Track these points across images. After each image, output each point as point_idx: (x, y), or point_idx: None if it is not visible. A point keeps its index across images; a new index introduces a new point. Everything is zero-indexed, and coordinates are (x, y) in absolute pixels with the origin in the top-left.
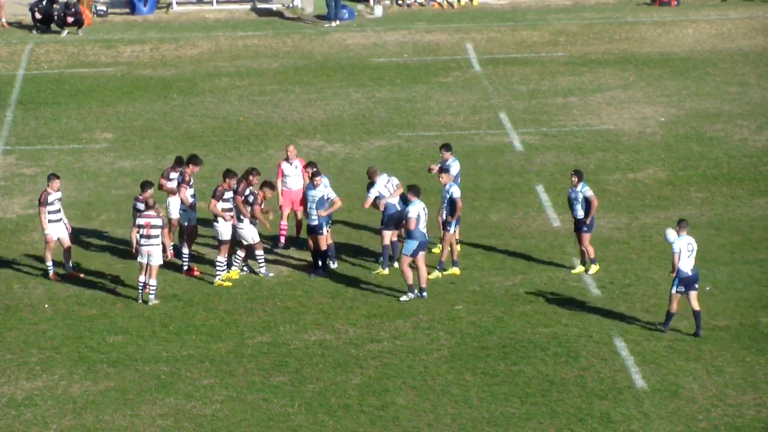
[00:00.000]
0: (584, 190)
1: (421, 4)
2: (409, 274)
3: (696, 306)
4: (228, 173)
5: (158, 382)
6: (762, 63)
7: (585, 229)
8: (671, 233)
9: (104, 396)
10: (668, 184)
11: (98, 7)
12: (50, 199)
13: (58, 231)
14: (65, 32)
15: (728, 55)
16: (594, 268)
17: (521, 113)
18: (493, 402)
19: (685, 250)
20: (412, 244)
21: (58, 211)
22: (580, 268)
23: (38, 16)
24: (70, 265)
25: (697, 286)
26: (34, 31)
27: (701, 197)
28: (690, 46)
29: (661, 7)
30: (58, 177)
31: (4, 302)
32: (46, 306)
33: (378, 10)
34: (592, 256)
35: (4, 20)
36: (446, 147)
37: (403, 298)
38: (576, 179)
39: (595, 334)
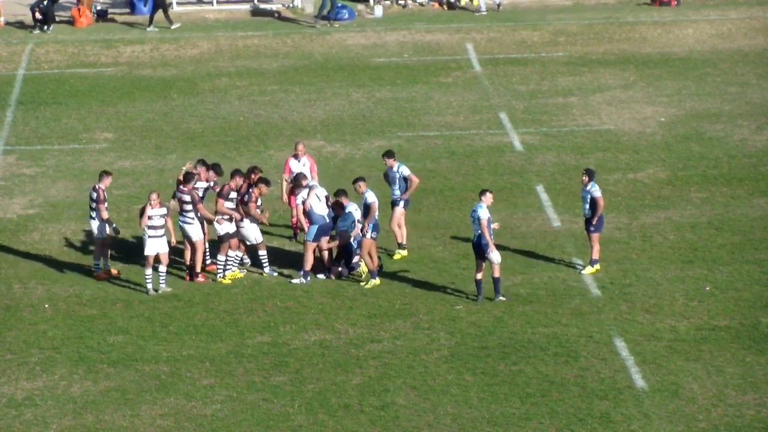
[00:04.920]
0: (592, 190)
1: (421, 5)
2: (310, 259)
3: (497, 273)
4: (236, 173)
5: (158, 382)
6: (762, 63)
7: (592, 228)
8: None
9: (104, 396)
10: (668, 184)
11: (98, 7)
12: (105, 195)
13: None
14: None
15: (728, 55)
16: (590, 269)
17: (521, 113)
18: (493, 402)
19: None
20: (312, 229)
21: (107, 209)
22: (589, 269)
23: (38, 16)
24: (98, 263)
25: None
26: (35, 31)
27: (701, 197)
28: (690, 46)
29: (661, 7)
30: (109, 173)
31: (4, 302)
32: (46, 306)
33: (378, 10)
34: (596, 256)
35: (2, 19)
36: (388, 154)
37: (295, 280)
38: (586, 178)
39: (595, 334)
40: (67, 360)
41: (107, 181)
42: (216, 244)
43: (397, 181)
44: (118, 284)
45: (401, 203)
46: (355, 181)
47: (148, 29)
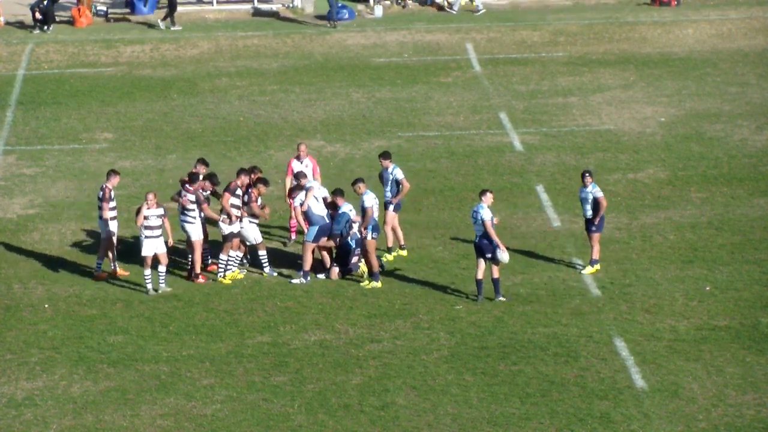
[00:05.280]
0: (594, 190)
1: (421, 4)
2: (309, 259)
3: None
4: (241, 171)
5: (158, 382)
6: (762, 63)
7: (593, 229)
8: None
9: (104, 396)
10: (668, 184)
11: (98, 7)
12: (112, 194)
13: (116, 228)
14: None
15: (728, 55)
16: (591, 269)
17: (521, 113)
18: (493, 402)
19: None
20: (313, 230)
21: (115, 208)
22: (589, 269)
23: (38, 15)
24: (101, 262)
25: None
26: (35, 31)
27: (701, 197)
28: (690, 46)
29: (661, 7)
30: (117, 173)
31: (4, 302)
32: (46, 306)
33: (378, 10)
34: (596, 256)
35: (2, 19)
36: (384, 155)
37: (295, 280)
38: (590, 179)
39: (595, 334)
40: (67, 360)
41: (114, 181)
42: (219, 244)
43: (390, 183)
44: (118, 284)
45: (391, 207)
46: (355, 182)
47: (160, 25)
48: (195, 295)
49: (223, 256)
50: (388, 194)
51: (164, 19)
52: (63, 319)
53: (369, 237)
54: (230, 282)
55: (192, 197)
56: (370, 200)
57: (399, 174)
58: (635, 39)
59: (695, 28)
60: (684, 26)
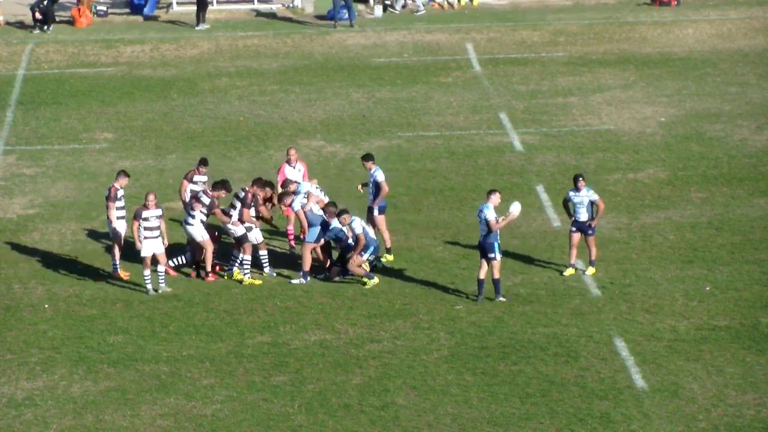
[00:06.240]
0: (590, 194)
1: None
2: (308, 259)
3: (496, 275)
4: (257, 181)
5: (158, 382)
6: (762, 63)
7: (590, 232)
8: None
9: (104, 396)
10: (668, 184)
11: (98, 7)
12: (118, 194)
13: (123, 228)
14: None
15: (728, 55)
16: (592, 269)
17: (521, 113)
18: (493, 402)
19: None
20: (314, 231)
21: (123, 208)
22: (590, 270)
23: (38, 15)
24: (116, 263)
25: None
26: (35, 31)
27: (701, 197)
28: (690, 46)
29: (661, 7)
30: (127, 174)
31: (4, 302)
32: (46, 306)
33: (378, 10)
34: (594, 257)
35: (1, 18)
36: (366, 157)
37: (295, 281)
38: (583, 182)
39: (595, 334)
40: (67, 360)
41: (122, 181)
42: (225, 248)
43: (371, 185)
44: (118, 284)
45: (375, 210)
46: (340, 214)
47: (196, 28)
48: (195, 295)
49: (246, 257)
50: (371, 197)
51: (198, 22)
52: (63, 319)
53: (365, 257)
54: (258, 283)
55: (207, 200)
56: (359, 226)
57: (379, 176)
58: (635, 39)
59: (695, 28)
60: (684, 26)
